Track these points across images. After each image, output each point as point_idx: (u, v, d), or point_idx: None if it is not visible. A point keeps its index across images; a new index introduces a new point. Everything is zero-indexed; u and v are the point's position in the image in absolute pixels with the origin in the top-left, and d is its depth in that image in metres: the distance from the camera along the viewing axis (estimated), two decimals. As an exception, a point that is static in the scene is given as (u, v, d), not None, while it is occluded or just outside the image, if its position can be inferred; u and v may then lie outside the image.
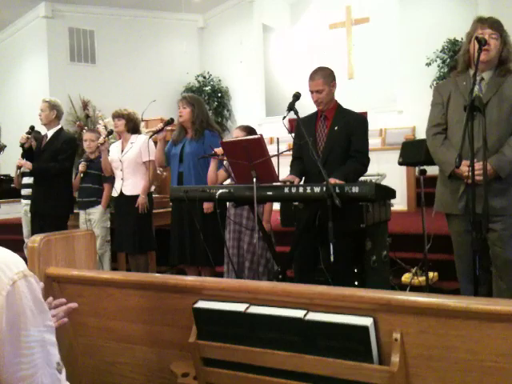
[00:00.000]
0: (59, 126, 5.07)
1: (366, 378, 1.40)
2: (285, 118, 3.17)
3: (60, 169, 4.88)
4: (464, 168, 2.85)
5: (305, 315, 1.46)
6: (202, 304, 1.60)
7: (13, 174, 6.84)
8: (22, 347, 1.03)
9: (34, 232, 4.95)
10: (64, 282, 1.88)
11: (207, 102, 10.49)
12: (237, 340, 1.55)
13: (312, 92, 3.55)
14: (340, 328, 1.40)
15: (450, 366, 1.35)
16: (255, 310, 1.52)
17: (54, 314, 1.39)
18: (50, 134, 5.02)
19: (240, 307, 1.54)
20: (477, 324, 1.29)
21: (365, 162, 3.55)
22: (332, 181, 3.10)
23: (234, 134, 4.04)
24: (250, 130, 4.01)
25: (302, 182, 3.61)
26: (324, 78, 3.52)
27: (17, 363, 1.03)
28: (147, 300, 1.73)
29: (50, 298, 1.55)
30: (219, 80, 10.90)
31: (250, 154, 3.09)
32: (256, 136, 3.20)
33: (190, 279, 1.69)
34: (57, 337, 1.93)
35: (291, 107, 3.23)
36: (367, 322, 1.39)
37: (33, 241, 1.86)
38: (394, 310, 1.38)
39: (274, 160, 3.42)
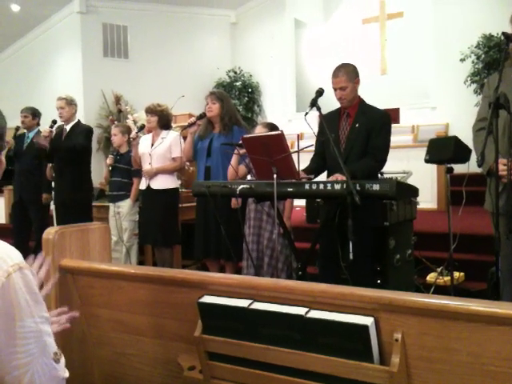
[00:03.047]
0: (76, 120, 5.23)
1: (366, 377, 1.39)
2: (307, 114, 3.15)
3: (82, 144, 5.07)
4: (499, 166, 2.76)
5: (306, 313, 1.45)
6: (207, 299, 1.62)
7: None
8: (17, 337, 1.06)
9: (59, 223, 5.08)
10: (77, 274, 1.92)
11: (238, 98, 10.52)
12: (240, 335, 1.56)
13: (335, 89, 3.50)
14: (340, 327, 1.40)
15: (451, 369, 1.33)
16: (258, 306, 1.53)
17: (56, 320, 1.42)
18: (68, 127, 5.18)
19: (243, 303, 1.54)
20: (478, 327, 1.27)
21: (379, 159, 3.45)
22: (336, 177, 3.08)
23: (256, 131, 4.05)
24: (272, 127, 4.00)
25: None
26: (347, 74, 3.46)
27: (12, 353, 1.06)
28: (155, 293, 1.76)
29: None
30: (250, 75, 10.90)
31: (270, 150, 3.09)
32: (277, 132, 3.19)
33: (196, 274, 1.71)
34: (70, 327, 1.99)
35: (314, 103, 3.21)
36: (368, 321, 1.38)
37: (48, 233, 1.91)
38: (396, 310, 1.36)
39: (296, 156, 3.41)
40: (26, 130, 5.92)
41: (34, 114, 5.90)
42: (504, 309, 1.23)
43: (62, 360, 1.17)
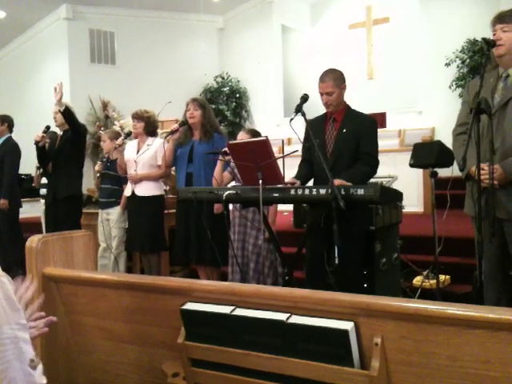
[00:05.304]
0: None
1: (347, 381, 1.40)
2: (292, 119, 3.18)
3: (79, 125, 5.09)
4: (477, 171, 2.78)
5: (287, 318, 1.47)
6: (189, 306, 1.63)
7: (33, 174, 6.98)
8: None
9: (48, 221, 5.10)
10: (61, 282, 1.92)
11: (225, 103, 10.55)
12: (222, 342, 1.57)
13: (322, 94, 3.52)
14: (321, 332, 1.41)
15: (431, 373, 1.34)
16: (240, 312, 1.54)
17: (34, 325, 1.41)
18: (62, 133, 5.21)
19: (226, 309, 1.56)
20: (456, 330, 1.29)
21: (374, 164, 3.50)
22: (338, 182, 3.09)
23: (239, 137, 4.07)
24: (254, 133, 4.03)
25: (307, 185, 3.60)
26: (334, 80, 3.48)
27: None
28: (139, 301, 1.76)
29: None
30: (238, 81, 10.93)
31: (255, 155, 3.10)
32: (262, 138, 3.21)
33: (178, 281, 1.72)
34: (55, 335, 1.99)
35: (299, 109, 3.23)
36: (348, 326, 1.39)
37: (31, 241, 1.91)
38: (375, 314, 1.38)
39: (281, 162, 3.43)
40: None
41: (3, 120, 5.91)
42: (481, 312, 1.25)
43: (39, 367, 1.17)
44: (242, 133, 4.14)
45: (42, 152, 5.21)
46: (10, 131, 5.96)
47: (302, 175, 3.59)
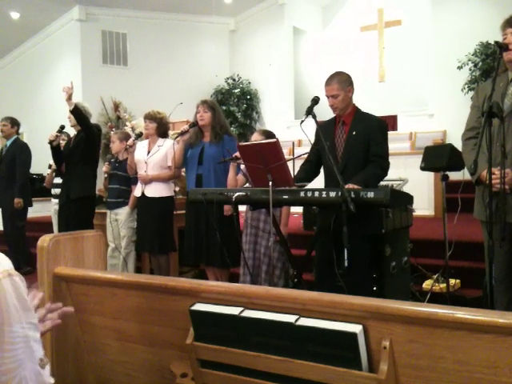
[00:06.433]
0: None
1: (354, 384, 1.40)
2: (303, 122, 3.18)
3: (90, 126, 5.10)
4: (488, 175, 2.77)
5: (296, 320, 1.47)
6: (198, 306, 1.63)
7: (45, 174, 7.05)
8: (5, 342, 1.07)
9: (61, 221, 5.13)
10: (71, 282, 1.93)
11: (236, 105, 10.57)
12: (231, 343, 1.58)
13: (328, 97, 3.52)
14: (330, 334, 1.41)
15: (439, 377, 1.34)
16: (249, 313, 1.54)
17: (50, 317, 1.42)
18: (76, 133, 5.24)
19: (234, 311, 1.56)
20: (465, 334, 1.28)
21: (384, 167, 3.48)
22: (350, 186, 3.09)
23: (253, 138, 4.08)
24: (268, 135, 4.02)
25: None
26: (340, 83, 3.48)
27: (0, 358, 1.07)
28: (148, 301, 1.77)
29: (57, 304, 1.53)
30: (249, 82, 10.96)
31: (265, 157, 3.11)
32: (272, 140, 3.21)
33: (187, 282, 1.73)
34: (65, 334, 2.00)
35: (309, 111, 3.23)
36: (356, 329, 1.39)
37: (42, 240, 1.92)
38: (384, 317, 1.38)
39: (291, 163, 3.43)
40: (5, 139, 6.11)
41: (13, 122, 6.19)
42: (490, 317, 1.25)
43: (48, 366, 1.18)
44: (256, 134, 4.16)
45: (56, 151, 5.24)
46: (17, 134, 6.25)
47: (301, 179, 3.58)
